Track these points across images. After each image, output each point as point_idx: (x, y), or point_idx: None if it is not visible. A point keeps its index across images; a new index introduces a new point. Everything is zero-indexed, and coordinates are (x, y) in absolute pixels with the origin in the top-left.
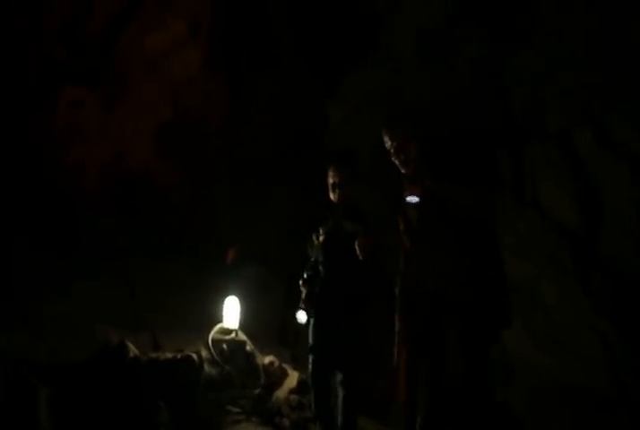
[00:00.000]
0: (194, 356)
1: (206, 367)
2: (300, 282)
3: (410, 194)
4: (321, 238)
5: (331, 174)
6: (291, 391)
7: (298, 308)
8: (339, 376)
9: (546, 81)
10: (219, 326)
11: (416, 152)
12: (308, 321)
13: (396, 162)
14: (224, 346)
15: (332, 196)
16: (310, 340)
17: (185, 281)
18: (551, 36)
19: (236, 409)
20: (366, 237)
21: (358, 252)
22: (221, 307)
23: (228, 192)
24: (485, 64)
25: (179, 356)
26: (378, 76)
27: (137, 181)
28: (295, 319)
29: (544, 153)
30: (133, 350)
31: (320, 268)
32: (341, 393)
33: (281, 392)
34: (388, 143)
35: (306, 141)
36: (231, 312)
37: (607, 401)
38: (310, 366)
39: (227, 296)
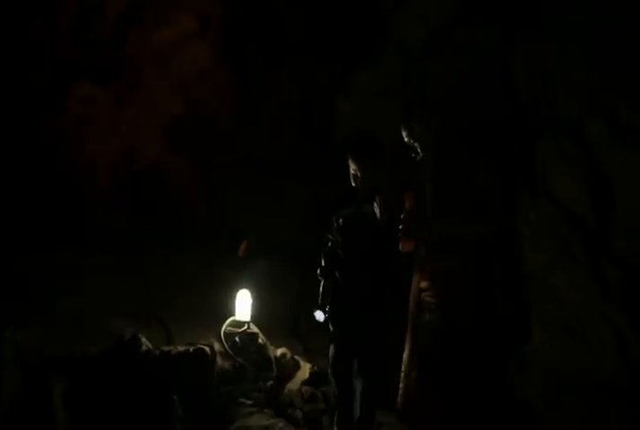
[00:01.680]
0: (207, 349)
1: (219, 360)
2: (318, 271)
3: (403, 248)
4: (341, 221)
5: (351, 164)
6: (303, 383)
7: (315, 307)
8: (359, 369)
9: (557, 73)
10: (231, 319)
11: (410, 204)
12: (328, 312)
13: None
14: (236, 339)
15: (353, 183)
16: (331, 329)
17: (198, 275)
18: (561, 28)
19: (248, 402)
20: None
21: (377, 213)
22: (234, 300)
23: (239, 185)
24: (495, 58)
25: (192, 349)
26: (387, 71)
27: (149, 176)
28: (313, 317)
29: (556, 145)
30: (146, 344)
31: (340, 253)
32: (360, 386)
33: (294, 384)
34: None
35: (317, 135)
36: (243, 305)
37: (620, 391)
38: (331, 357)
39: (239, 289)
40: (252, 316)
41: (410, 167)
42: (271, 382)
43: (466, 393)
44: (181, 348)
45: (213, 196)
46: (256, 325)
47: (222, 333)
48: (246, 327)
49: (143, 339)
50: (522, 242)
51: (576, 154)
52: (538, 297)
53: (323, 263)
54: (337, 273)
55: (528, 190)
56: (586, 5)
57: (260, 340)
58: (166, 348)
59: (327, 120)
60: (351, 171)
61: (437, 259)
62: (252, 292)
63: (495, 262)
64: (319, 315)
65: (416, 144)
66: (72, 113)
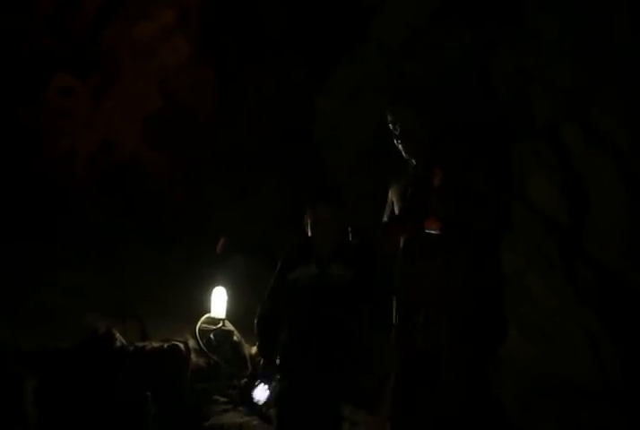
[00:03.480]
0: (182, 345)
1: (193, 357)
2: (256, 322)
3: (430, 228)
4: (300, 284)
5: (318, 210)
6: None
7: (255, 381)
8: None
9: (533, 76)
10: (206, 316)
11: (439, 177)
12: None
13: (400, 147)
14: (211, 336)
15: (315, 234)
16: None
17: (174, 271)
18: (538, 32)
19: (223, 399)
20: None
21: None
22: (209, 297)
23: (217, 181)
24: (472, 59)
25: (166, 345)
26: (367, 69)
27: (126, 170)
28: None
29: (532, 147)
30: (120, 339)
31: (290, 323)
32: None
33: None
34: (392, 125)
35: (295, 132)
36: (219, 302)
37: (593, 394)
38: None
39: (215, 285)
40: (227, 314)
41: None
42: (245, 379)
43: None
44: (156, 344)
45: (191, 191)
46: (232, 323)
47: (197, 330)
48: (221, 324)
49: (117, 335)
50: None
51: (552, 157)
52: (513, 299)
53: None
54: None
55: (505, 192)
56: (561, 7)
57: (235, 338)
58: (140, 344)
59: (306, 116)
60: (313, 218)
61: (438, 254)
62: (228, 289)
63: (488, 261)
64: (260, 394)
65: (399, 142)
66: (49, 105)
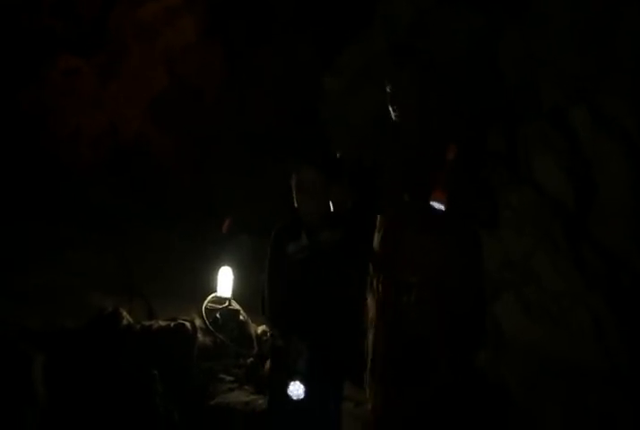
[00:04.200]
0: (188, 324)
1: (200, 336)
2: (271, 327)
3: (436, 200)
4: (294, 259)
5: (302, 175)
6: None
7: (289, 377)
8: None
9: (541, 60)
10: (212, 295)
11: (454, 152)
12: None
13: (392, 112)
14: (217, 315)
15: (300, 203)
16: None
17: (180, 250)
18: (547, 16)
19: (229, 378)
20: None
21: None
22: (215, 276)
23: (223, 161)
24: (479, 42)
25: (173, 324)
26: (374, 49)
27: (131, 150)
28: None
29: (539, 130)
30: (127, 318)
31: (290, 299)
32: None
33: None
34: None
35: (302, 112)
36: (225, 281)
37: (599, 376)
38: None
39: (221, 265)
40: (233, 293)
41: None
42: (251, 358)
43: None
44: (162, 324)
45: (197, 171)
46: (238, 302)
47: (204, 309)
48: (227, 304)
49: (124, 314)
50: (503, 226)
51: (559, 140)
52: (519, 282)
53: (278, 322)
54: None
55: (510, 174)
56: None
57: (241, 317)
58: (147, 323)
59: (313, 97)
60: (303, 185)
61: (424, 234)
62: (234, 269)
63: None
64: (298, 389)
65: (395, 107)
66: (55, 85)
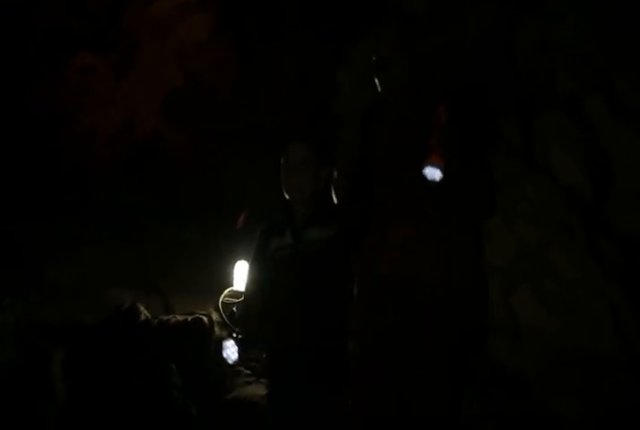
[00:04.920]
0: (205, 318)
1: (217, 330)
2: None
3: (432, 165)
4: (275, 259)
5: (290, 153)
6: None
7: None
8: None
9: (556, 48)
10: (229, 289)
11: (445, 115)
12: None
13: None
14: (234, 309)
15: (287, 188)
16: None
17: (196, 246)
18: (562, 3)
19: (246, 371)
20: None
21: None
22: (232, 271)
23: (238, 157)
24: (494, 30)
25: (190, 318)
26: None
27: (146, 147)
28: None
29: (554, 119)
30: (144, 313)
31: (270, 311)
32: None
33: None
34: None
35: (316, 108)
36: (241, 275)
37: (615, 366)
38: None
39: (237, 259)
40: None
41: None
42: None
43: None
44: (180, 318)
45: (212, 168)
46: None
47: (220, 303)
48: (243, 298)
49: (142, 309)
50: (516, 216)
51: (576, 130)
52: (535, 273)
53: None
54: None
55: (526, 165)
56: None
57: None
58: (164, 318)
59: (326, 92)
60: (285, 168)
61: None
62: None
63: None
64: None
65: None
66: (71, 83)
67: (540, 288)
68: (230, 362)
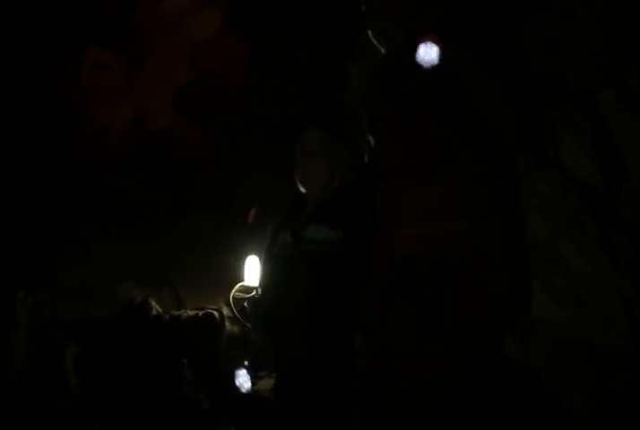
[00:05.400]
0: (216, 313)
1: (228, 325)
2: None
3: (426, 42)
4: (279, 252)
5: (303, 141)
6: None
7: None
8: None
9: (565, 40)
10: (240, 284)
11: None
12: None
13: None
14: (245, 304)
15: (303, 171)
16: None
17: (207, 241)
18: None
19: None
20: None
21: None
22: (243, 266)
23: (248, 152)
24: (504, 23)
25: (201, 313)
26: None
27: (158, 143)
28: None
29: (565, 113)
30: (156, 308)
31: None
32: None
33: None
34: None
35: (327, 103)
36: (252, 270)
37: (628, 361)
38: None
39: (248, 254)
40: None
41: None
42: None
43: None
44: (191, 313)
45: (223, 163)
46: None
47: (231, 298)
48: (254, 293)
49: (154, 304)
50: (526, 211)
51: (586, 123)
52: (545, 268)
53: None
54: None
55: (535, 158)
56: None
57: None
58: (176, 313)
59: (337, 87)
60: (298, 156)
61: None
62: (261, 258)
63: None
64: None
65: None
66: (83, 80)
67: (550, 283)
68: (244, 390)
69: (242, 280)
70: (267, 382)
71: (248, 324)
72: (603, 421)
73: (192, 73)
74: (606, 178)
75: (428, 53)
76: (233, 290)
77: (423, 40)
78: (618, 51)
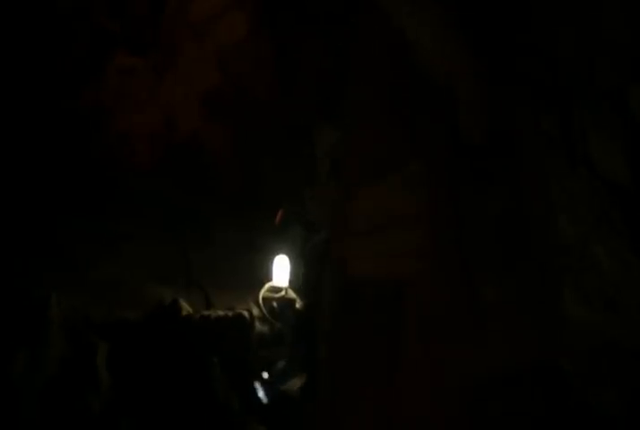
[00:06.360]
0: (245, 313)
1: (257, 325)
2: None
3: None
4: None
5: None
6: None
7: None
8: None
9: (595, 36)
10: (269, 284)
11: None
12: None
13: None
14: (274, 304)
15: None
16: None
17: (236, 242)
18: None
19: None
20: None
21: None
22: (271, 266)
23: (276, 155)
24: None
25: (231, 313)
26: None
27: (186, 147)
28: None
29: (595, 111)
30: (186, 308)
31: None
32: None
33: None
34: None
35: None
36: (281, 270)
37: None
38: None
39: (276, 254)
40: (289, 282)
41: None
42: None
43: None
44: (220, 313)
45: (251, 166)
46: (294, 291)
47: (260, 298)
48: (283, 293)
49: (184, 304)
50: (556, 211)
51: (617, 122)
52: (575, 268)
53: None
54: None
55: (565, 158)
56: None
57: (297, 306)
58: (206, 313)
59: None
60: None
61: None
62: (289, 257)
63: None
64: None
65: None
66: (111, 84)
67: (581, 284)
68: (265, 401)
69: (270, 280)
70: (295, 382)
71: (277, 324)
72: (632, 422)
73: (220, 76)
74: (636, 177)
75: None
76: (262, 290)
77: None
78: None
